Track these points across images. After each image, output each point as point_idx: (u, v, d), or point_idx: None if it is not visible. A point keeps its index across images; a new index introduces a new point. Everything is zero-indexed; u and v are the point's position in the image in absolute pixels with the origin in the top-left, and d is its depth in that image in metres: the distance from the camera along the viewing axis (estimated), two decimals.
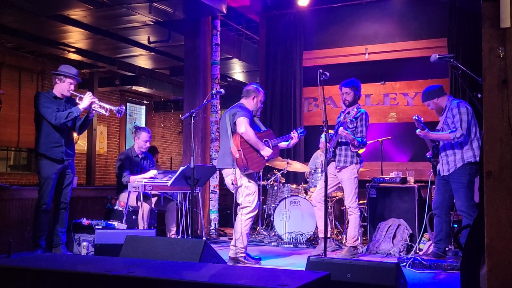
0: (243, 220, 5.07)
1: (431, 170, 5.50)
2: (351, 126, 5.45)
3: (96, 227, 5.46)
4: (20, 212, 5.81)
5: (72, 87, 5.43)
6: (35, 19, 7.83)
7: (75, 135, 5.60)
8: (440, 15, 8.00)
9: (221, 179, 5.58)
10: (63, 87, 5.39)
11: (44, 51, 10.13)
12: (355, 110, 5.46)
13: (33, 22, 8.05)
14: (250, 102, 5.27)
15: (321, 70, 4.95)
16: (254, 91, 5.29)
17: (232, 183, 5.11)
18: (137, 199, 5.91)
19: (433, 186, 5.65)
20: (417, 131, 5.18)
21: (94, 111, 5.46)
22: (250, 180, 5.10)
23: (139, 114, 14.45)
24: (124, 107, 5.52)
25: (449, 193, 5.27)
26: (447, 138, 5.11)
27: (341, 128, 5.37)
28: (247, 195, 5.08)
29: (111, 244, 4.90)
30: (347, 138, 5.42)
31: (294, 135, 5.45)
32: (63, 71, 5.43)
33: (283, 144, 5.47)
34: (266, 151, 5.14)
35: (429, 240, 5.78)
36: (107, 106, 5.46)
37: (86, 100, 5.34)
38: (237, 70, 11.71)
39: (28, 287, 2.76)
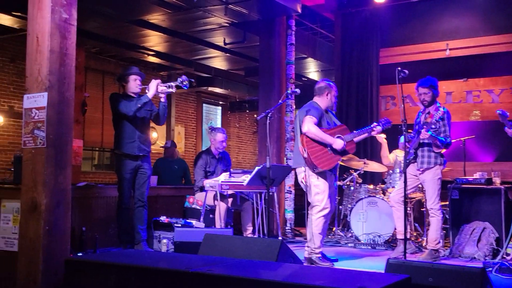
0: (313, 220, 5.02)
1: None
2: (434, 127, 5.24)
3: (175, 225, 5.60)
4: (105, 209, 6.06)
5: (139, 82, 5.56)
6: (117, 24, 8.18)
7: (154, 134, 5.76)
8: None
9: (296, 178, 5.56)
10: (130, 85, 5.54)
11: (126, 55, 10.55)
12: (438, 109, 5.23)
13: (115, 27, 8.41)
14: (323, 99, 5.21)
15: (399, 68, 4.84)
16: (326, 87, 5.22)
17: (302, 182, 5.09)
18: (214, 198, 6.01)
19: None
20: (506, 128, 4.90)
21: (164, 95, 5.56)
22: (319, 178, 5.02)
23: (215, 114, 14.73)
24: (185, 76, 5.54)
25: None
26: None
27: (423, 131, 5.18)
28: (315, 194, 5.03)
29: (189, 242, 5.01)
30: (430, 140, 5.26)
31: (377, 127, 5.27)
32: (123, 73, 5.67)
33: (361, 137, 5.30)
34: (338, 144, 5.01)
35: None
36: (172, 83, 5.55)
37: (152, 86, 5.47)
38: (312, 70, 11.63)
39: (112, 281, 2.88)
